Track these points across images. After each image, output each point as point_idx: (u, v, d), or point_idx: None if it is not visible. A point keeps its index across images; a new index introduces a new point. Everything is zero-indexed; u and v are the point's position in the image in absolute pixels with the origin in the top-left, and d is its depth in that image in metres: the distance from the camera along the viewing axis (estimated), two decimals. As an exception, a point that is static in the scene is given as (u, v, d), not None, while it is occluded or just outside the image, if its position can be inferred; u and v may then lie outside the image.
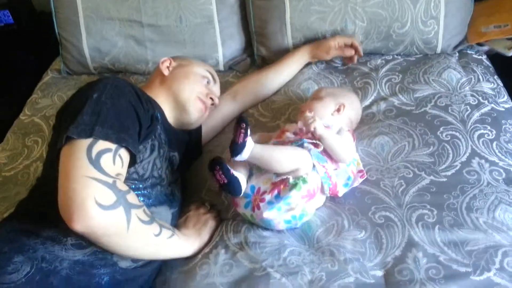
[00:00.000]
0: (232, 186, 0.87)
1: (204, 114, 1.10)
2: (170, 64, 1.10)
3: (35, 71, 1.60)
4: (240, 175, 0.89)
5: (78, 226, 0.69)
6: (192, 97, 1.05)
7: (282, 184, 0.88)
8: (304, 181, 0.87)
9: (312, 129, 0.90)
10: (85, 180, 0.70)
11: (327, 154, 0.94)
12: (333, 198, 0.97)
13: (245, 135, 0.83)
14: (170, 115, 1.05)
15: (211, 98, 1.09)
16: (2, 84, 1.63)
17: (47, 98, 1.39)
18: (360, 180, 0.98)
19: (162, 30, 1.41)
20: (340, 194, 0.95)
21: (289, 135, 1.01)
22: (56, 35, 1.46)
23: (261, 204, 0.88)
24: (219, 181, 0.87)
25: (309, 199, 0.88)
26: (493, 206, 0.90)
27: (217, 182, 0.88)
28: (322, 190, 0.92)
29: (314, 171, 0.90)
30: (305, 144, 0.93)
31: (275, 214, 0.87)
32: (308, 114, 0.92)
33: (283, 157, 0.88)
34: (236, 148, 0.83)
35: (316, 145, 0.94)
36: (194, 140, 1.17)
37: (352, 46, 1.30)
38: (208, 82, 1.11)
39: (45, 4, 1.56)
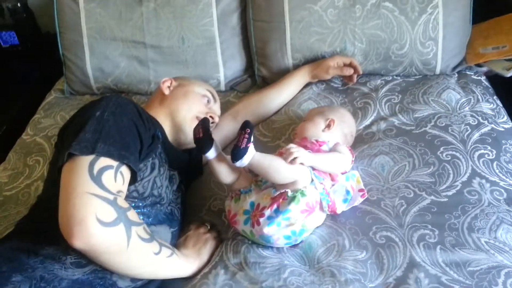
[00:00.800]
0: (203, 140, 0.88)
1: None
2: (171, 84, 1.12)
3: (39, 91, 1.62)
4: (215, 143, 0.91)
5: (78, 242, 0.68)
6: (188, 117, 1.06)
7: (281, 198, 0.88)
8: (303, 194, 0.88)
9: (298, 162, 0.89)
10: (86, 197, 0.70)
11: (322, 173, 0.94)
12: (334, 218, 0.96)
13: (248, 140, 0.84)
14: (170, 134, 1.06)
15: (211, 117, 1.10)
16: (6, 103, 1.65)
17: (50, 118, 1.40)
18: (361, 199, 0.98)
19: (165, 51, 1.44)
20: (339, 211, 0.94)
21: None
22: (60, 56, 1.49)
23: (261, 220, 0.87)
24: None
25: (309, 213, 0.88)
26: (494, 226, 0.89)
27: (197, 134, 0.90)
28: (321, 207, 0.92)
29: (313, 185, 0.91)
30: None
31: (275, 230, 0.87)
32: (289, 148, 0.90)
33: (282, 167, 0.88)
34: (238, 152, 0.84)
35: None
36: (195, 160, 1.17)
37: (351, 65, 1.32)
38: (208, 101, 1.12)
39: (50, 25, 1.59)
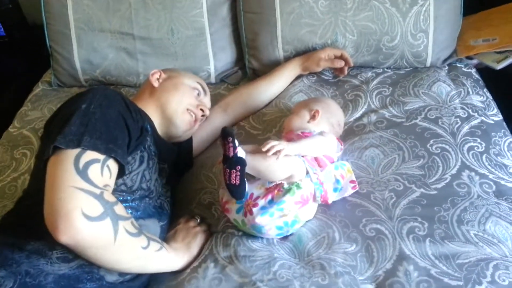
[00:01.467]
0: (241, 189, 0.85)
1: (194, 127, 1.10)
2: (160, 76, 1.10)
3: (26, 83, 1.59)
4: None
5: (64, 237, 0.67)
6: (179, 110, 1.05)
7: (276, 189, 0.88)
8: (298, 186, 0.88)
9: (282, 155, 0.88)
10: (71, 191, 0.69)
11: (312, 161, 0.94)
12: (324, 210, 0.96)
13: (234, 147, 0.83)
14: (159, 127, 1.04)
15: (202, 110, 1.09)
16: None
17: (37, 110, 1.38)
18: (352, 191, 0.98)
19: (154, 43, 1.42)
20: (330, 201, 0.94)
21: None
22: (47, 47, 1.46)
23: (254, 209, 0.87)
24: (231, 181, 0.84)
25: (302, 205, 0.88)
26: (483, 218, 0.90)
27: (227, 181, 0.85)
28: (314, 198, 0.92)
29: (308, 178, 0.90)
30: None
31: (268, 220, 0.86)
32: (269, 144, 0.88)
33: (276, 166, 0.87)
34: (231, 162, 0.83)
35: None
36: (185, 152, 1.16)
37: (341, 57, 1.31)
38: (198, 94, 1.11)
39: (36, 16, 1.56)
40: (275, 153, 0.86)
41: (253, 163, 0.86)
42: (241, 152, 0.84)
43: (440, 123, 1.15)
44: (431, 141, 1.09)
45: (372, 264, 0.84)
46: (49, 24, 1.44)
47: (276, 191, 0.88)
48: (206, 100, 1.15)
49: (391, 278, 0.81)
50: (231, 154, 0.83)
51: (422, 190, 0.98)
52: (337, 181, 0.96)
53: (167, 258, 0.85)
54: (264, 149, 0.87)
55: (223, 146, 0.84)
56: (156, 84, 1.08)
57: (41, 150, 0.87)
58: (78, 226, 0.67)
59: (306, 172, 0.91)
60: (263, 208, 0.87)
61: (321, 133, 1.00)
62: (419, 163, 1.04)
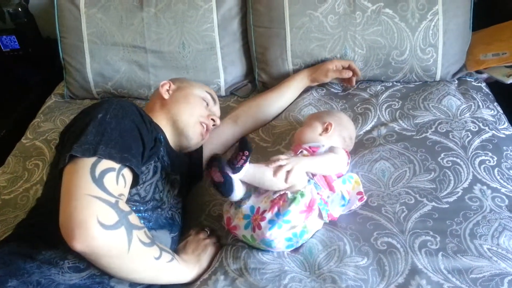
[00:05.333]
0: (225, 185, 0.85)
1: (205, 137, 1.10)
2: (169, 87, 1.10)
3: (39, 95, 1.62)
4: (236, 179, 0.87)
5: (79, 245, 0.68)
6: (191, 122, 1.06)
7: (281, 200, 0.88)
8: (302, 194, 0.88)
9: (292, 175, 0.88)
10: (88, 199, 0.70)
11: (321, 181, 0.94)
12: (334, 222, 0.95)
13: (245, 161, 0.83)
14: (171, 138, 1.05)
15: (213, 120, 1.10)
16: (6, 107, 1.64)
17: (50, 122, 1.40)
18: (359, 203, 0.97)
19: (165, 56, 1.44)
20: (336, 216, 0.94)
21: None
22: (61, 60, 1.49)
23: (262, 223, 0.87)
24: (214, 179, 0.85)
25: (308, 213, 0.88)
26: (497, 232, 0.89)
27: (211, 180, 0.86)
28: (321, 216, 0.92)
29: (310, 184, 0.90)
30: None
31: (277, 233, 0.86)
32: (278, 161, 0.89)
33: (276, 180, 0.87)
34: (232, 169, 0.84)
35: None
36: (196, 164, 1.17)
37: (349, 68, 1.32)
38: (208, 104, 1.12)
39: (50, 30, 1.59)
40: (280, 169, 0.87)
41: (254, 173, 0.86)
42: (246, 169, 0.85)
43: (450, 136, 1.15)
44: (442, 155, 1.09)
45: (384, 278, 0.83)
46: (63, 38, 1.47)
47: (281, 202, 0.88)
48: (216, 109, 1.15)
49: (403, 292, 0.80)
50: (238, 165, 0.83)
51: (433, 203, 0.97)
52: (343, 197, 0.95)
53: (178, 270, 0.85)
54: (272, 166, 0.87)
55: (235, 153, 0.84)
56: (166, 96, 1.08)
57: (56, 159, 0.88)
58: (94, 234, 0.68)
59: (307, 180, 0.91)
60: (271, 221, 0.86)
61: (331, 149, 0.99)
62: (430, 177, 1.04)
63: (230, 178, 0.85)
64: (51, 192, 0.85)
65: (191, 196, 1.11)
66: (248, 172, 0.85)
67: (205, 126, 1.08)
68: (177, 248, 0.94)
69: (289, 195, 0.88)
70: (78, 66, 1.46)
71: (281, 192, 0.89)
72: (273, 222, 0.86)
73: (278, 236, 0.86)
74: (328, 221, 0.94)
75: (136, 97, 1.48)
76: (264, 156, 1.17)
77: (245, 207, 0.91)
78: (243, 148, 0.83)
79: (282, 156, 0.90)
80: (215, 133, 1.23)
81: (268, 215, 0.87)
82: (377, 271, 0.84)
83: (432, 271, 0.83)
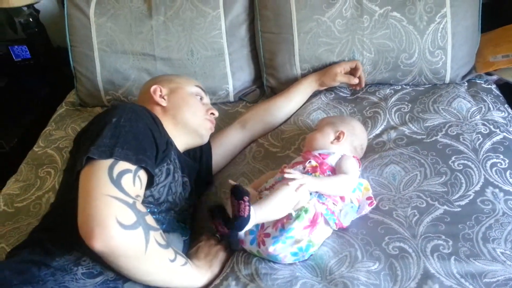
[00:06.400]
0: (244, 221, 0.84)
1: (213, 129, 1.14)
2: (161, 92, 1.09)
3: (50, 103, 1.64)
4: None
5: (98, 244, 0.69)
6: (199, 121, 1.08)
7: (285, 217, 0.87)
8: (306, 211, 0.87)
9: (303, 189, 0.88)
10: (106, 199, 0.71)
11: None
12: (345, 228, 0.95)
13: (249, 208, 0.82)
14: (180, 142, 1.06)
15: (212, 113, 1.12)
16: (18, 116, 1.67)
17: (61, 130, 1.42)
18: (369, 208, 0.97)
19: (174, 63, 1.45)
20: (346, 224, 0.93)
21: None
22: (72, 69, 1.51)
23: (266, 240, 0.87)
24: (220, 231, 0.86)
25: (312, 228, 0.87)
26: (510, 236, 0.88)
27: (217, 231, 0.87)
28: (327, 223, 0.91)
29: (313, 199, 0.90)
30: None
31: (281, 248, 0.86)
32: (293, 176, 0.89)
33: (280, 207, 0.87)
34: (242, 222, 0.82)
35: None
36: (205, 169, 1.18)
37: (356, 68, 1.32)
38: (201, 98, 1.13)
39: (61, 39, 1.62)
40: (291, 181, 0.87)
41: (264, 217, 0.86)
42: (253, 213, 0.83)
43: (461, 139, 1.14)
44: (453, 158, 1.08)
45: (396, 283, 0.82)
46: (73, 47, 1.49)
47: (285, 220, 0.87)
48: (208, 100, 1.17)
49: (416, 297, 0.79)
50: (246, 214, 0.81)
51: (445, 207, 0.96)
52: (352, 207, 0.95)
53: (191, 274, 0.85)
54: (286, 176, 0.88)
55: (236, 205, 0.81)
56: (164, 103, 1.07)
57: (71, 163, 0.90)
58: (113, 233, 0.69)
59: (309, 193, 0.90)
60: (274, 237, 0.86)
61: (342, 160, 0.98)
62: (442, 180, 1.03)
63: (236, 234, 0.86)
64: (64, 197, 0.86)
65: (201, 202, 1.12)
66: (258, 215, 0.84)
67: (210, 120, 1.11)
68: (188, 253, 0.95)
69: (293, 213, 0.87)
70: (89, 75, 1.48)
71: None
72: (277, 238, 0.86)
73: (283, 251, 0.86)
74: (336, 229, 0.93)
75: (145, 104, 1.49)
76: (274, 161, 1.17)
77: None
78: (240, 196, 0.82)
79: (296, 172, 0.90)
80: (224, 139, 1.24)
81: (272, 232, 0.87)
82: (389, 276, 0.84)
83: (445, 276, 0.82)
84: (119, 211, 0.71)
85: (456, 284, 0.80)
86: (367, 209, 0.97)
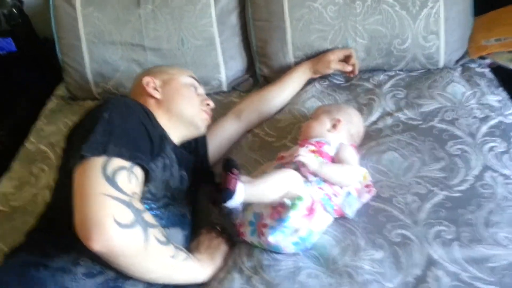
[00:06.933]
0: (229, 194, 0.82)
1: (210, 120, 1.11)
2: (154, 84, 1.06)
3: (38, 97, 1.59)
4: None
5: (97, 245, 0.67)
6: (195, 112, 1.06)
7: (280, 206, 0.86)
8: (300, 199, 0.86)
9: (304, 165, 0.88)
10: (102, 198, 0.69)
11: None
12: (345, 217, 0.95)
13: (237, 180, 0.81)
14: (175, 134, 1.04)
15: (208, 104, 1.10)
16: (5, 110, 1.62)
17: (52, 125, 1.38)
18: (368, 195, 0.97)
19: (164, 53, 1.42)
20: (351, 216, 0.93)
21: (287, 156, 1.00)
22: (59, 61, 1.46)
23: (265, 230, 0.86)
24: (225, 186, 0.81)
25: (310, 216, 0.86)
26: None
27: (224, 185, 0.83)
28: (326, 209, 0.91)
29: (308, 186, 0.89)
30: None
31: (281, 238, 0.85)
32: (298, 157, 0.89)
33: (271, 189, 0.85)
34: (227, 194, 0.80)
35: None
36: (201, 161, 1.16)
37: (350, 56, 1.31)
38: (196, 89, 1.11)
39: (47, 30, 1.56)
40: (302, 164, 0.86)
41: (251, 195, 0.84)
42: (240, 186, 0.81)
43: (457, 124, 1.14)
44: (450, 143, 1.08)
45: (400, 270, 0.82)
46: (60, 38, 1.44)
47: (281, 209, 0.86)
48: (202, 91, 1.14)
49: (421, 284, 0.79)
50: (232, 187, 0.80)
51: (445, 192, 0.96)
52: (348, 193, 0.94)
53: (193, 269, 0.85)
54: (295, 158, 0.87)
55: (224, 177, 0.80)
56: (158, 95, 1.04)
57: (64, 161, 0.88)
58: (111, 233, 0.67)
59: (304, 180, 0.89)
60: (272, 228, 0.85)
61: (341, 150, 0.98)
62: (440, 166, 1.03)
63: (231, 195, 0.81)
64: (59, 196, 0.84)
65: (200, 195, 1.10)
66: (247, 192, 0.82)
67: (206, 111, 1.09)
68: (189, 247, 0.93)
69: (286, 202, 0.85)
70: (77, 66, 1.44)
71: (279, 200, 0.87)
72: (275, 228, 0.85)
73: (283, 241, 0.85)
74: (336, 216, 0.93)
75: (137, 96, 1.46)
76: (270, 151, 1.16)
77: (249, 214, 0.91)
78: (228, 168, 0.80)
79: (304, 153, 0.89)
80: (219, 130, 1.22)
81: (269, 222, 0.86)
82: (394, 264, 0.84)
83: (449, 262, 0.82)
84: (116, 210, 0.69)
85: (461, 270, 0.80)
86: (366, 197, 0.97)
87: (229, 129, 1.23)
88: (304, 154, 0.88)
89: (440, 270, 0.81)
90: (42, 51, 1.72)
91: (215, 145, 1.20)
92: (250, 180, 0.85)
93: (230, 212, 0.85)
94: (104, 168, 0.72)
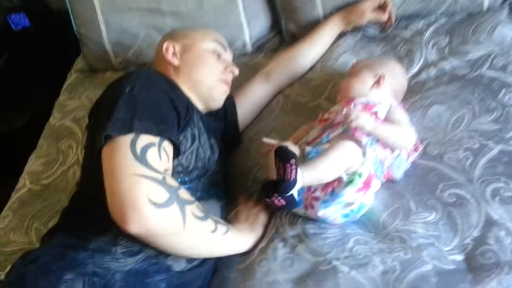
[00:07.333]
0: (290, 204, 0.77)
1: (228, 92, 1.04)
2: (174, 50, 0.99)
3: (58, 72, 1.55)
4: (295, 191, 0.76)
5: (134, 227, 0.64)
6: (214, 83, 0.99)
7: (336, 181, 0.79)
8: (360, 175, 0.79)
9: (359, 127, 0.80)
10: (134, 179, 0.66)
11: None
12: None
13: (296, 170, 0.73)
14: (197, 103, 0.99)
15: (232, 72, 1.02)
16: (26, 89, 1.60)
17: (75, 99, 1.34)
18: (415, 153, 0.90)
19: (184, 17, 1.34)
20: (398, 177, 0.87)
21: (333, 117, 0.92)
22: (75, 33, 1.41)
23: (314, 203, 0.80)
24: (277, 205, 0.77)
25: (366, 190, 0.80)
26: None
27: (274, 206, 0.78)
28: (376, 176, 0.84)
29: (366, 161, 0.81)
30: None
31: (332, 211, 0.79)
32: (347, 110, 0.81)
33: (331, 171, 0.78)
34: (288, 186, 0.74)
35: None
36: (231, 127, 1.11)
37: (385, 4, 1.19)
38: (219, 55, 1.02)
39: (60, 2, 1.50)
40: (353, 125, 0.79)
41: (310, 179, 0.77)
42: (299, 174, 0.75)
43: (508, 71, 1.03)
44: (502, 92, 0.98)
45: (457, 232, 0.77)
46: (74, 9, 1.38)
47: (336, 183, 0.79)
48: (228, 56, 1.06)
49: (481, 246, 0.74)
50: (292, 177, 0.73)
51: (501, 146, 0.88)
52: (398, 155, 0.87)
53: (234, 240, 0.81)
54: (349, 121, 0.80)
55: (281, 167, 0.73)
56: (176, 62, 0.98)
57: (90, 140, 0.84)
58: (147, 214, 0.64)
59: (363, 154, 0.82)
60: (324, 201, 0.79)
61: (393, 113, 0.89)
62: (493, 117, 0.94)
63: (292, 196, 0.76)
64: (90, 176, 0.81)
65: (233, 163, 1.06)
66: (305, 179, 0.76)
67: (226, 81, 1.01)
68: (228, 218, 0.90)
69: (345, 178, 0.78)
70: (95, 38, 1.38)
71: None
72: (327, 202, 0.79)
73: (333, 214, 0.80)
74: (384, 181, 0.86)
75: (159, 64, 1.40)
76: (304, 113, 1.09)
77: None
78: (285, 159, 0.73)
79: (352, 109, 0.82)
80: (248, 93, 1.16)
81: (321, 196, 0.79)
82: (449, 226, 0.78)
83: (510, 221, 0.76)
84: (150, 190, 0.65)
85: (524, 229, 0.74)
86: (413, 156, 0.90)
87: (259, 92, 1.16)
88: (359, 114, 0.80)
89: (502, 231, 0.74)
90: (57, 25, 1.67)
91: (245, 110, 1.14)
92: (307, 164, 0.78)
93: (289, 202, 0.77)
94: (132, 147, 0.68)
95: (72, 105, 1.31)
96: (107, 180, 0.67)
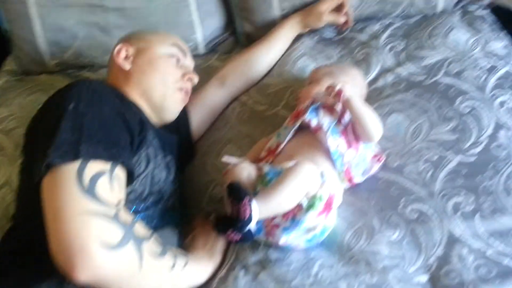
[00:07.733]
0: (246, 239, 0.73)
1: (186, 101, 0.97)
2: (127, 52, 0.91)
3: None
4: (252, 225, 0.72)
5: (83, 276, 0.55)
6: (168, 92, 0.91)
7: (296, 207, 0.74)
8: (320, 198, 0.74)
9: (345, 94, 0.81)
10: (82, 218, 0.57)
11: (344, 130, 0.84)
12: (354, 193, 0.86)
13: (251, 206, 0.69)
14: (151, 114, 0.90)
15: (190, 79, 0.94)
16: None
17: (5, 107, 1.17)
18: (377, 165, 0.88)
19: (129, 14, 1.23)
20: (356, 180, 0.85)
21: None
22: (4, 30, 1.26)
23: (275, 230, 0.75)
24: (233, 240, 0.74)
25: (328, 212, 0.76)
26: (534, 184, 0.81)
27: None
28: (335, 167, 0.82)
29: (324, 181, 0.77)
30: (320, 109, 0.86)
31: (294, 238, 0.75)
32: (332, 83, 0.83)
33: (288, 201, 0.73)
34: (243, 225, 0.70)
35: (331, 111, 0.85)
36: (185, 139, 1.03)
37: (343, 6, 1.16)
38: (178, 60, 0.94)
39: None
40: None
41: (268, 210, 0.73)
42: (255, 207, 0.70)
43: (463, 77, 1.04)
44: (459, 99, 0.99)
45: (421, 251, 0.75)
46: (4, 3, 1.23)
47: (296, 209, 0.74)
48: (189, 62, 0.98)
49: (445, 266, 0.73)
50: (247, 215, 0.69)
51: (459, 157, 0.88)
52: (364, 159, 0.86)
53: (194, 272, 0.75)
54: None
55: (234, 205, 0.69)
56: (127, 66, 0.89)
57: (27, 166, 0.73)
58: (99, 260, 0.55)
59: (321, 175, 0.77)
60: (285, 229, 0.74)
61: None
62: (450, 126, 0.94)
63: (248, 231, 0.71)
64: (26, 211, 0.70)
65: (187, 178, 0.98)
66: (262, 213, 0.71)
67: (183, 90, 0.93)
68: (184, 243, 0.83)
69: (305, 203, 0.74)
70: (27, 36, 1.23)
71: None
72: (288, 229, 0.74)
73: (296, 240, 0.75)
74: (346, 180, 0.84)
75: (101, 66, 1.27)
76: (262, 122, 1.04)
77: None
78: (238, 198, 0.69)
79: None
80: (202, 100, 1.08)
81: (281, 222, 0.74)
82: (413, 244, 0.76)
83: (472, 237, 0.75)
84: (101, 230, 0.56)
85: (486, 245, 0.74)
86: (375, 167, 0.88)
87: (213, 98, 1.10)
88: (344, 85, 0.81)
89: (464, 248, 0.74)
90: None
91: (199, 118, 1.07)
92: (262, 195, 0.73)
93: (246, 237, 0.73)
94: (79, 177, 0.59)
95: (2, 114, 1.15)
96: (49, 221, 0.58)
